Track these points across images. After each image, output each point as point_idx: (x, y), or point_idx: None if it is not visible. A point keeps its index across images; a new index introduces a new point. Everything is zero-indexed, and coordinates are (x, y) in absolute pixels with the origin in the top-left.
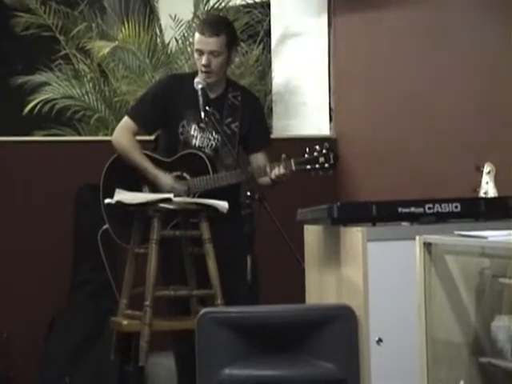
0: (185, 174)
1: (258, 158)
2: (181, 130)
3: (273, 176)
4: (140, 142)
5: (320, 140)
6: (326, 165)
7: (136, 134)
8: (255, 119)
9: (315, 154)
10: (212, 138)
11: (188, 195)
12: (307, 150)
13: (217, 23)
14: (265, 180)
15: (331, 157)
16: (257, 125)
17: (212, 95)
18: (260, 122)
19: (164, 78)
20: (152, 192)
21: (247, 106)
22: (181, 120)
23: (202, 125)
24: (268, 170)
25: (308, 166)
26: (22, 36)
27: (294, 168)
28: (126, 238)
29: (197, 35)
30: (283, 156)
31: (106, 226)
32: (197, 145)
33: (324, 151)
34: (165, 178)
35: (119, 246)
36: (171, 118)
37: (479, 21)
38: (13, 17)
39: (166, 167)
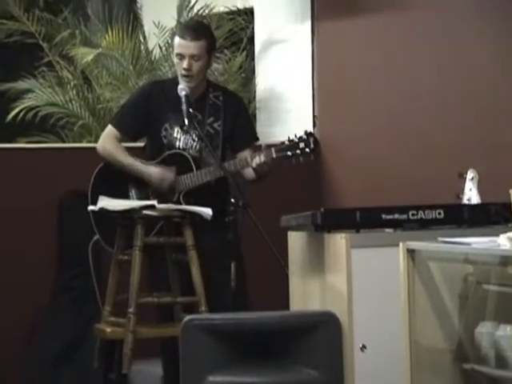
0: None
1: (245, 156)
2: (164, 133)
3: (254, 165)
4: (128, 149)
5: None
6: (307, 150)
7: (120, 141)
8: (238, 117)
9: (295, 140)
10: (195, 140)
11: (173, 194)
12: (287, 137)
13: (197, 28)
14: (250, 173)
15: (311, 141)
16: (240, 123)
17: (193, 97)
18: (243, 120)
19: (145, 85)
20: (139, 197)
21: (229, 104)
22: (163, 123)
23: (184, 127)
24: (249, 159)
25: (289, 153)
26: (4, 43)
27: (274, 155)
28: (113, 244)
29: (177, 39)
30: (263, 145)
31: (96, 237)
32: (180, 147)
33: (304, 136)
34: (152, 170)
35: (104, 252)
36: (154, 123)
37: (465, 29)
38: None
39: None
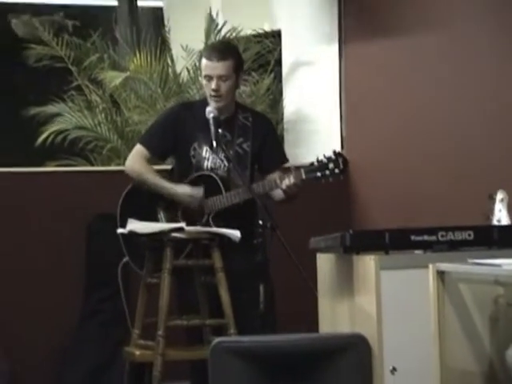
0: None
1: (274, 177)
2: (192, 152)
3: (284, 186)
4: (156, 171)
5: None
6: (336, 170)
7: (148, 160)
8: (267, 138)
9: (324, 160)
10: (224, 160)
11: (202, 216)
12: (316, 158)
13: (223, 48)
14: (278, 194)
15: (340, 162)
16: (269, 144)
17: (222, 117)
18: (272, 141)
19: (173, 106)
20: (167, 219)
21: (258, 126)
22: (192, 143)
23: (213, 148)
24: (278, 181)
25: (318, 174)
26: (34, 67)
27: (304, 177)
28: (142, 266)
29: (204, 61)
30: (292, 166)
31: (126, 259)
32: (209, 166)
33: (333, 157)
34: (182, 189)
35: (133, 275)
36: (182, 143)
37: (490, 50)
38: (25, 48)
39: None
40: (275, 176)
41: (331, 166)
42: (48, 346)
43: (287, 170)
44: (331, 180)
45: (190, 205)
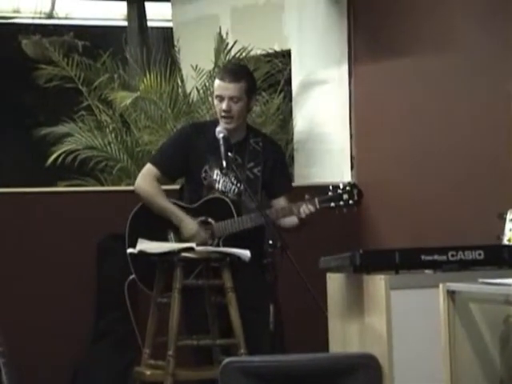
0: (210, 219)
1: (280, 203)
2: (203, 175)
3: (302, 215)
4: (165, 191)
5: None
6: (350, 201)
7: (159, 180)
8: (277, 164)
9: (339, 191)
10: (235, 183)
11: (213, 240)
12: (330, 187)
13: (237, 70)
14: (290, 221)
15: (355, 193)
16: (278, 170)
17: (233, 140)
18: (282, 168)
19: (185, 126)
20: (177, 240)
21: (268, 151)
22: (203, 165)
23: (223, 170)
24: (294, 209)
25: (332, 204)
26: (44, 88)
27: (318, 206)
28: (152, 286)
29: (217, 81)
30: (306, 196)
31: (132, 276)
32: (220, 189)
33: (347, 188)
34: (189, 224)
35: (143, 295)
36: (193, 164)
37: (501, 65)
38: (36, 69)
39: (191, 213)
40: (282, 202)
41: (345, 196)
42: (59, 366)
43: (293, 197)
44: (345, 211)
45: (191, 240)
